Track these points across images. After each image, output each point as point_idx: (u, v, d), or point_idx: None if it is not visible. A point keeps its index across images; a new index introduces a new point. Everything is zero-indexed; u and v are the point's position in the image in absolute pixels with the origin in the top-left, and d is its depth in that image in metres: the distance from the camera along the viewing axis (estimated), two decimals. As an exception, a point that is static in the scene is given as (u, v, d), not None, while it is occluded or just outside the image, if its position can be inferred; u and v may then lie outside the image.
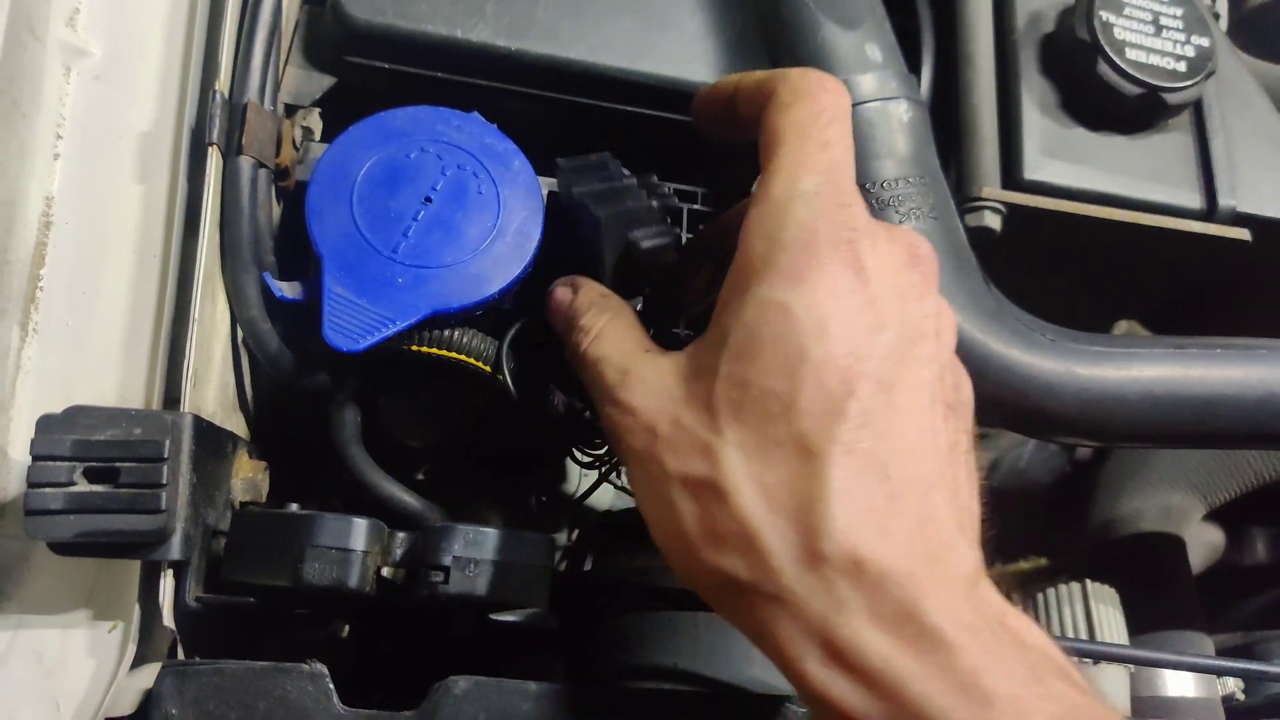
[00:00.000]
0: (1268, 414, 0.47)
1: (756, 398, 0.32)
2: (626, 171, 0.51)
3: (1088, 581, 0.58)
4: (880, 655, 0.30)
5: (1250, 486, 0.75)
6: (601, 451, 0.60)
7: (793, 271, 0.33)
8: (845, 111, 0.37)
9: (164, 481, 0.39)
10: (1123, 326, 0.75)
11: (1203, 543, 0.79)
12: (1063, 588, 0.59)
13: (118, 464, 0.38)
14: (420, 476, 0.69)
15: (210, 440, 0.43)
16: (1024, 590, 1.01)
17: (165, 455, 0.39)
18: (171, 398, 0.44)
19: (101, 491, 0.38)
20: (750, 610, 0.32)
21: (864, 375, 0.32)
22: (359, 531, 0.40)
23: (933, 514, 0.32)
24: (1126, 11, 0.56)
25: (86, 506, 0.38)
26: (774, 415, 0.32)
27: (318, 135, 0.54)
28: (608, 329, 0.41)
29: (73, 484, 0.38)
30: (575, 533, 0.76)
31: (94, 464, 0.38)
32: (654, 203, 0.48)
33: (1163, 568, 0.71)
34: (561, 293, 0.46)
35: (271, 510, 0.42)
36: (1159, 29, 0.57)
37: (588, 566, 0.70)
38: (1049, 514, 0.99)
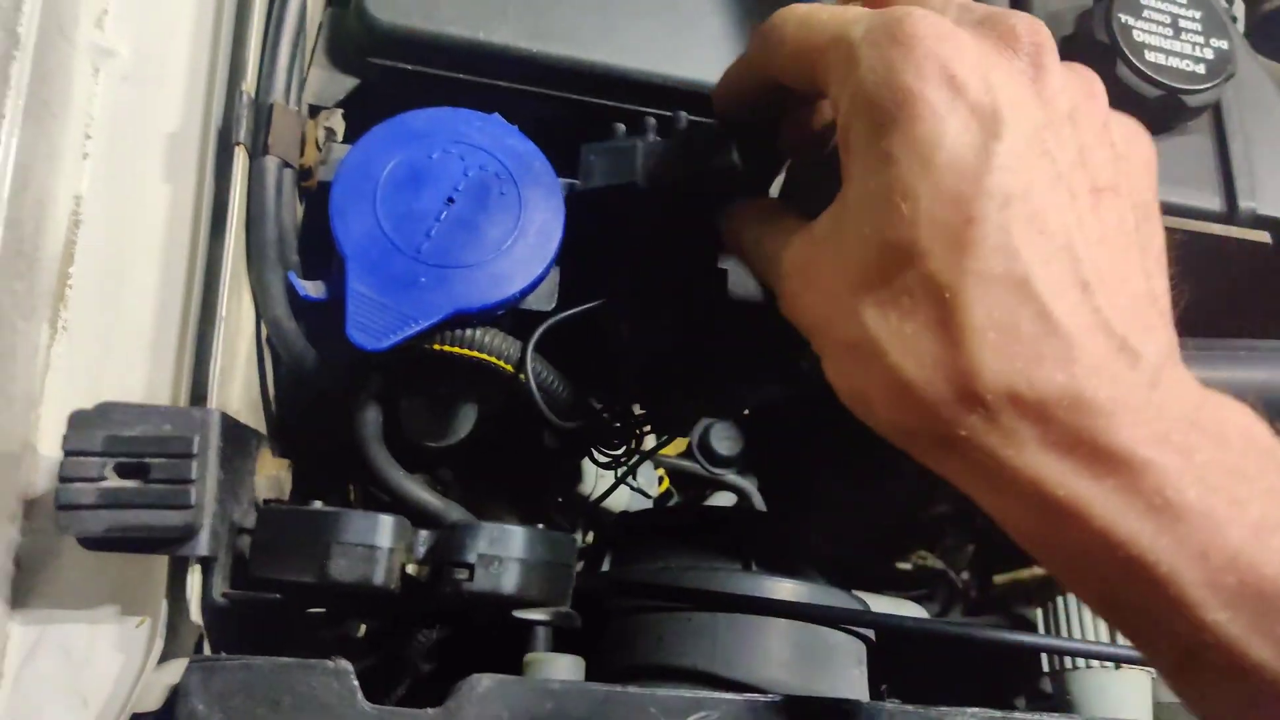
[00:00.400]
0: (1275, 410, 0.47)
1: (882, 252, 0.31)
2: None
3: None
4: (1058, 482, 0.29)
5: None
6: (619, 452, 0.60)
7: (885, 116, 0.31)
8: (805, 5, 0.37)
9: (193, 477, 0.39)
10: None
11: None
12: (1083, 591, 0.59)
13: (148, 460, 0.39)
14: (437, 476, 0.69)
15: (236, 437, 0.44)
16: (1036, 598, 1.01)
17: (195, 451, 0.39)
18: (198, 395, 0.44)
19: (132, 487, 0.39)
20: (932, 456, 0.32)
21: (980, 196, 0.30)
22: (385, 528, 0.41)
23: (1093, 319, 0.30)
24: (1145, 14, 0.57)
25: (117, 502, 0.38)
26: (900, 265, 0.31)
27: (340, 136, 0.54)
28: (762, 233, 0.41)
29: (103, 479, 0.39)
30: (590, 534, 0.77)
31: (125, 459, 0.39)
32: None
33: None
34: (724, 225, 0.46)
35: (298, 507, 0.42)
36: (1178, 31, 0.57)
37: (605, 567, 0.70)
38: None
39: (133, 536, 0.39)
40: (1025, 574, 1.07)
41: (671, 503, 0.82)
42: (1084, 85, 0.34)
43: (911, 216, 0.30)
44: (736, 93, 0.43)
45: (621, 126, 0.52)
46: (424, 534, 0.45)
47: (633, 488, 0.71)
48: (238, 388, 0.47)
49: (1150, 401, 0.29)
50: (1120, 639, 0.60)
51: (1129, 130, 0.35)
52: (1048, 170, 0.31)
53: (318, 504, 0.46)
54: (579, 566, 0.77)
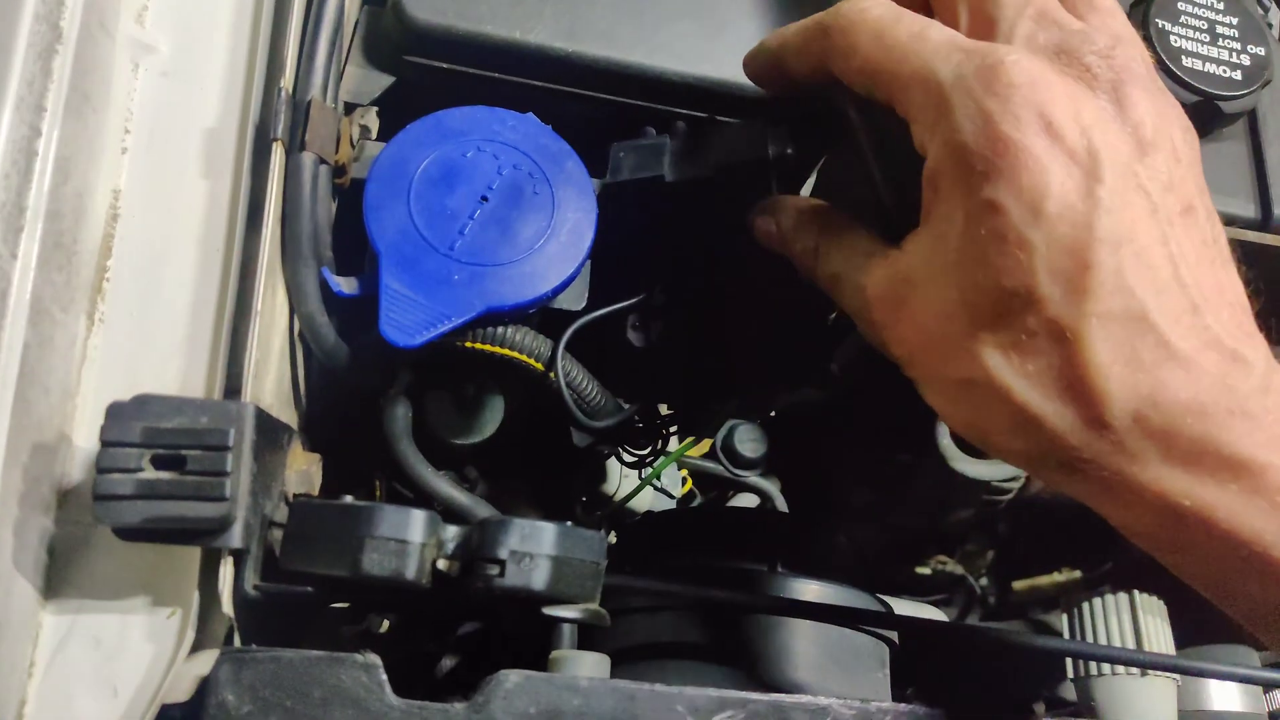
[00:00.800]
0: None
1: (999, 298, 0.33)
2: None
3: (1135, 592, 0.58)
4: (1184, 492, 0.31)
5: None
6: (645, 452, 0.60)
7: (987, 165, 0.32)
8: (892, 4, 0.37)
9: (228, 470, 0.39)
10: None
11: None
12: (1109, 598, 0.58)
13: (184, 451, 0.39)
14: (463, 473, 0.69)
15: (269, 431, 0.44)
16: (1062, 602, 1.01)
17: (230, 444, 0.39)
18: (232, 388, 0.45)
19: (168, 479, 0.39)
20: (1054, 477, 0.34)
21: (1094, 242, 0.31)
22: (417, 523, 0.41)
23: (1205, 337, 0.32)
24: (1182, 19, 0.56)
25: (154, 493, 0.39)
26: (1020, 311, 0.32)
27: (374, 133, 0.55)
28: (824, 245, 0.41)
29: (140, 470, 0.39)
30: (613, 533, 0.77)
31: (161, 451, 0.39)
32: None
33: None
34: (762, 223, 0.45)
35: (330, 501, 0.43)
36: (1215, 37, 0.56)
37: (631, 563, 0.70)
38: (1084, 523, 0.98)
39: (168, 528, 0.39)
40: (1044, 581, 1.07)
41: (694, 504, 0.82)
42: (1159, 108, 0.35)
43: (1029, 264, 0.32)
44: (778, 68, 0.43)
45: (652, 130, 0.52)
46: (454, 530, 0.45)
47: (657, 488, 0.71)
48: (271, 382, 0.48)
49: (1266, 407, 0.31)
50: (1146, 645, 0.60)
51: (1183, 130, 0.35)
52: (1145, 205, 0.32)
53: (348, 498, 0.47)
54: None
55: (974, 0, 0.37)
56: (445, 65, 0.52)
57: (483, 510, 0.54)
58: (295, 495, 0.48)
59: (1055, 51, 0.34)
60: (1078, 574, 1.04)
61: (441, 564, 0.42)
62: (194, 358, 0.45)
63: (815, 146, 0.49)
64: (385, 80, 0.53)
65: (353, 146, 0.54)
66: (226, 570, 0.41)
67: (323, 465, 0.56)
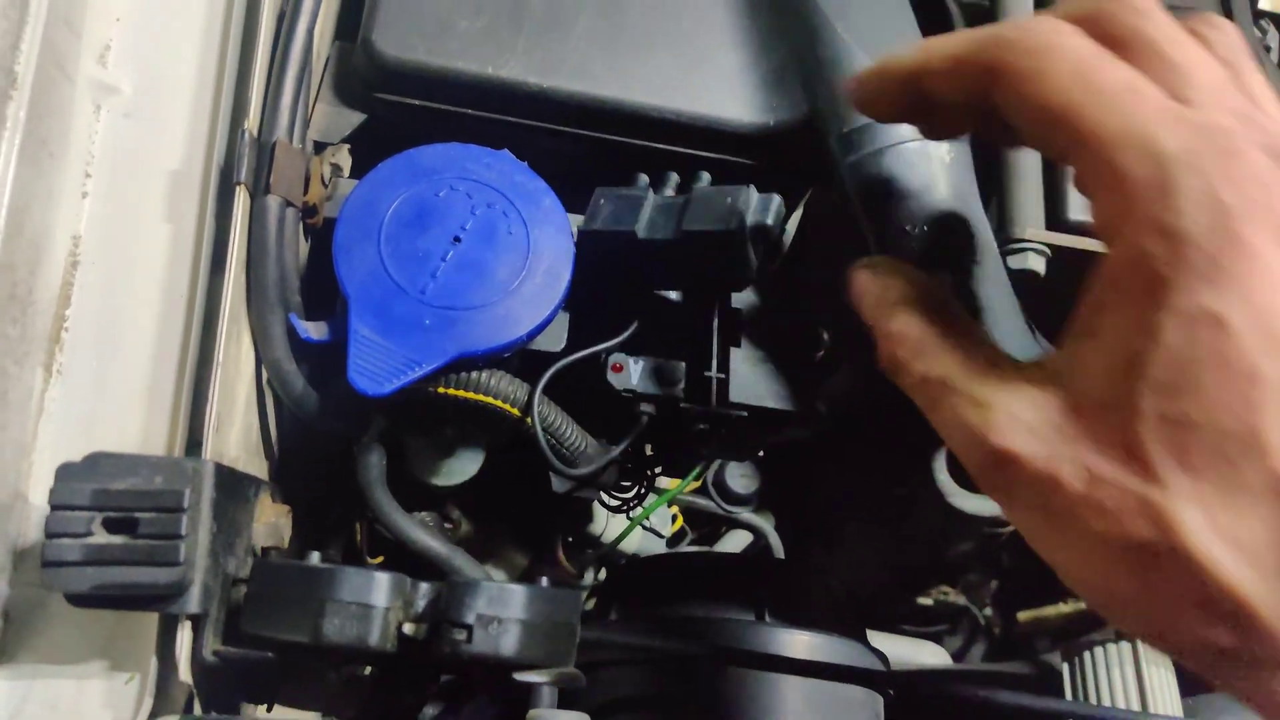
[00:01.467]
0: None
1: (1207, 439, 0.26)
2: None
3: (1139, 641, 0.56)
4: None
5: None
6: (629, 495, 0.59)
7: (1214, 268, 0.26)
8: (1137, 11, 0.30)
9: (183, 533, 0.38)
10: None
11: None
12: (1112, 648, 0.56)
13: (137, 514, 0.38)
14: (445, 513, 0.68)
15: (232, 486, 0.43)
16: (1062, 650, 0.98)
17: (185, 505, 0.38)
18: (194, 441, 0.43)
19: (120, 543, 0.37)
20: (1253, 679, 0.27)
21: None
22: (381, 586, 0.39)
23: None
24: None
25: (104, 558, 0.37)
26: (1236, 458, 0.26)
27: (346, 171, 0.53)
28: (932, 340, 0.33)
29: (91, 534, 0.37)
30: (603, 571, 0.75)
31: (113, 514, 0.38)
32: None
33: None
34: (861, 280, 0.37)
35: (291, 562, 0.41)
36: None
37: (615, 610, 0.69)
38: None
39: (120, 594, 0.37)
40: (1050, 611, 1.04)
41: (686, 541, 0.80)
42: None
43: (1258, 402, 0.26)
44: (908, 87, 0.36)
45: (644, 177, 0.51)
46: (424, 587, 0.43)
47: (646, 528, 0.69)
48: (236, 433, 0.46)
49: None
50: (1150, 697, 0.58)
51: None
52: None
53: (315, 556, 0.45)
54: (589, 605, 0.75)
55: (1158, 67, 0.30)
56: (417, 102, 0.51)
57: (459, 559, 0.52)
58: (263, 549, 0.47)
59: (1266, 144, 0.28)
60: (1083, 605, 1.02)
61: (408, 627, 0.41)
62: (155, 410, 0.44)
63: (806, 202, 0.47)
64: (356, 118, 0.52)
65: (325, 185, 0.52)
66: (184, 635, 0.40)
67: (303, 509, 0.54)
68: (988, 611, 1.06)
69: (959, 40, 0.33)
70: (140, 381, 0.44)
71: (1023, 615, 1.04)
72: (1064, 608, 1.03)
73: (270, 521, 0.47)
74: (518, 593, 0.40)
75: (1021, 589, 1.05)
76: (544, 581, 0.49)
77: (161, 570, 0.37)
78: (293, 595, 0.39)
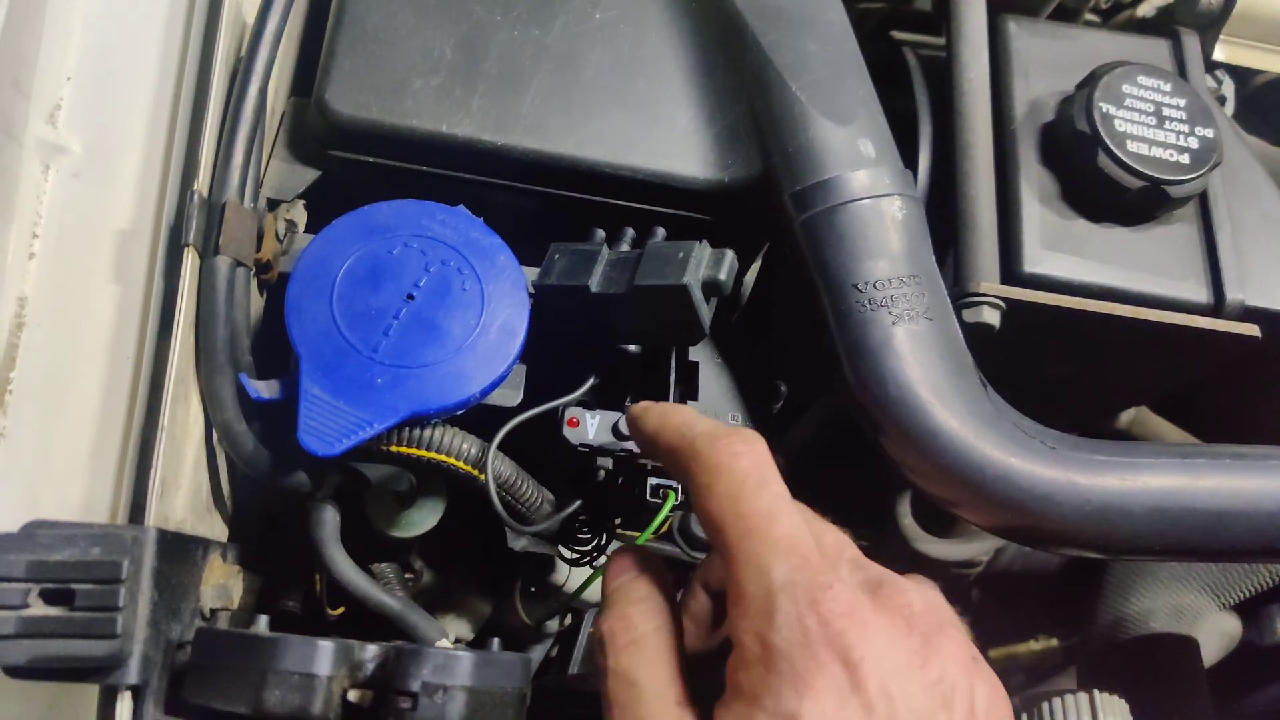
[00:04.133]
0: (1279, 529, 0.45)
1: None
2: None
3: (1095, 692, 0.56)
4: None
5: (1266, 586, 0.72)
6: (589, 547, 0.58)
7: (795, 680, 0.32)
8: (767, 464, 0.38)
9: (120, 605, 0.37)
10: (1130, 413, 0.73)
11: (1218, 632, 0.76)
12: (1069, 698, 0.56)
13: (74, 586, 0.37)
14: (406, 561, 0.67)
15: (176, 551, 0.42)
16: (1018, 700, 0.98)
17: (123, 577, 0.37)
18: (139, 505, 0.43)
19: (56, 615, 0.37)
20: None
21: None
22: (324, 656, 0.39)
23: None
24: (1128, 103, 0.55)
25: (40, 631, 0.37)
26: None
27: (301, 226, 0.53)
28: (639, 651, 0.38)
29: (27, 606, 0.37)
30: (568, 617, 0.74)
31: (50, 585, 0.37)
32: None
33: (1174, 671, 0.68)
34: (615, 564, 0.43)
35: (234, 631, 0.41)
36: (1161, 120, 0.55)
37: (577, 659, 0.68)
38: (1059, 591, 0.97)
39: (57, 666, 0.37)
40: (1021, 649, 1.04)
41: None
42: (965, 661, 0.35)
43: None
44: (650, 446, 0.43)
45: (601, 232, 0.51)
46: (371, 650, 0.43)
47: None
48: (183, 495, 0.46)
49: None
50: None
51: (989, 689, 0.36)
52: None
53: (263, 620, 0.45)
54: (552, 653, 0.75)
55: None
56: (372, 159, 0.51)
57: (414, 616, 0.52)
58: (211, 611, 0.46)
59: (875, 588, 0.35)
60: (1054, 642, 1.02)
61: (353, 694, 0.40)
62: (99, 474, 0.43)
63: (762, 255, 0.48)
64: (311, 174, 0.52)
65: (279, 240, 0.52)
66: (124, 707, 0.39)
67: (261, 562, 0.54)
68: (960, 649, 1.06)
69: (675, 435, 0.40)
70: (84, 445, 0.43)
71: (994, 652, 1.04)
72: (1034, 645, 1.03)
73: (219, 583, 0.47)
74: (464, 660, 0.40)
75: (993, 626, 1.05)
76: (495, 645, 0.49)
77: (99, 643, 0.37)
78: (234, 665, 0.39)
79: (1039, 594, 0.99)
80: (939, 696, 0.33)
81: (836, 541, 0.39)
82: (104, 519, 0.42)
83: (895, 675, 0.33)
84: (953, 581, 0.92)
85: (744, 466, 0.37)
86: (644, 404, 0.44)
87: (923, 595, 0.36)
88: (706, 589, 0.43)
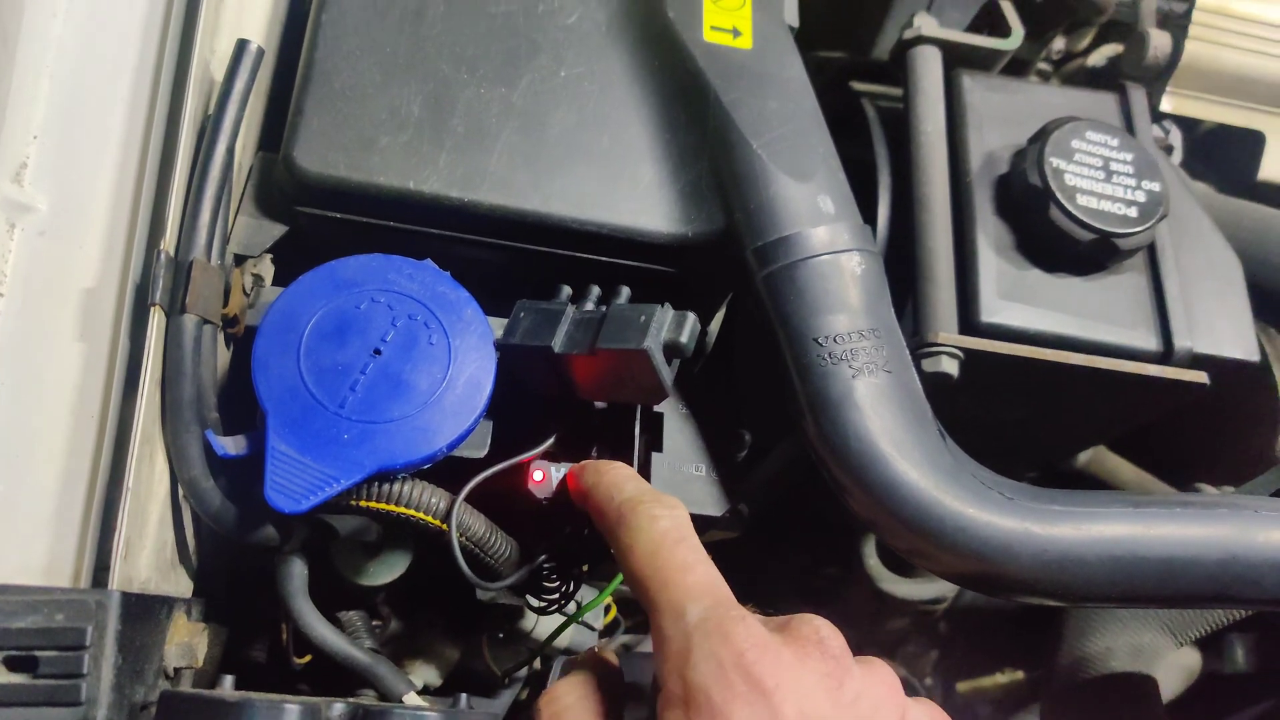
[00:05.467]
0: (1231, 576, 0.46)
1: None
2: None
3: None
4: None
5: (1221, 625, 0.74)
6: (555, 595, 0.59)
7: (713, 713, 0.34)
8: (685, 524, 0.41)
9: (85, 671, 0.37)
10: (1088, 452, 0.75)
11: (1178, 667, 0.78)
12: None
13: (37, 653, 0.37)
14: (374, 608, 0.67)
15: (140, 614, 0.42)
16: (998, 707, 0.99)
17: (87, 643, 0.37)
18: (103, 565, 0.43)
19: (19, 683, 0.37)
20: None
21: None
22: (290, 719, 0.39)
23: None
24: (1077, 158, 0.57)
25: (3, 699, 0.36)
26: None
27: (269, 281, 0.53)
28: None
29: (-11, 674, 0.37)
30: (538, 661, 0.74)
31: (13, 653, 0.37)
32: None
33: (1133, 711, 0.69)
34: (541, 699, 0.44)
35: (199, 694, 0.40)
36: (1109, 174, 0.57)
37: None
38: (1024, 625, 0.98)
39: (19, 735, 0.37)
40: (988, 682, 1.06)
41: (620, 631, 0.80)
42: (883, 685, 0.37)
43: None
44: (583, 503, 0.47)
45: (567, 289, 0.52)
46: (339, 709, 0.43)
47: (579, 622, 0.69)
48: (147, 554, 0.45)
49: None
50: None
51: (929, 711, 0.38)
52: None
53: (229, 681, 0.45)
54: (523, 696, 0.75)
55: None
56: (339, 215, 0.51)
57: (381, 668, 0.52)
58: (175, 670, 0.46)
59: (784, 622, 0.38)
60: (1020, 675, 1.03)
61: (320, 756, 0.40)
62: (62, 536, 0.43)
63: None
64: (278, 230, 0.52)
65: (246, 294, 0.52)
66: (86, 773, 0.39)
67: (226, 614, 0.54)
68: (929, 682, 1.07)
69: (603, 497, 0.44)
70: (47, 506, 0.43)
71: (962, 686, 1.06)
72: (1000, 678, 1.05)
73: (183, 641, 0.47)
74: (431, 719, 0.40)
75: (960, 660, 1.06)
76: (464, 700, 0.49)
77: (63, 710, 0.37)
78: (199, 730, 0.39)
79: (1004, 628, 1.00)
80: (855, 715, 0.35)
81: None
82: (67, 581, 0.42)
83: (811, 699, 0.34)
84: (919, 618, 0.94)
85: (663, 527, 0.40)
86: (583, 464, 0.48)
87: (831, 627, 0.37)
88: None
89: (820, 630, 0.37)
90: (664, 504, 0.41)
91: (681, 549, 0.39)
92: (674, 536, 0.40)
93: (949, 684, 1.07)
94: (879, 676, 0.37)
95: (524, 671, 0.73)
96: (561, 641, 0.68)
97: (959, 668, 1.04)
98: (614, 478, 0.45)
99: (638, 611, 0.79)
